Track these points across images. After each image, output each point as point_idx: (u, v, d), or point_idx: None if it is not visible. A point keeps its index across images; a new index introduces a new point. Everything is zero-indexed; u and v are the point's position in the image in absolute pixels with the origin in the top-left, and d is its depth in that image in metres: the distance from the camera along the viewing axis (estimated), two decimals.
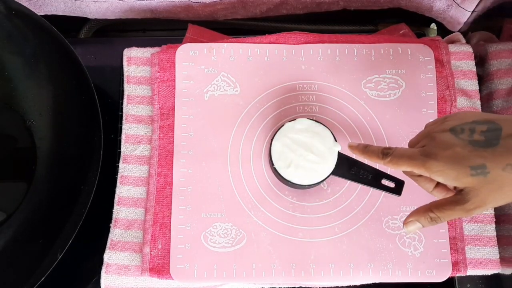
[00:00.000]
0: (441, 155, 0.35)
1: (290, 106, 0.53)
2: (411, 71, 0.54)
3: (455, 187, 0.37)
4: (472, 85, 0.54)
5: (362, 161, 0.47)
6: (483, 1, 0.54)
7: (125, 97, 0.54)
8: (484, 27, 0.58)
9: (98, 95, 0.49)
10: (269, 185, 0.51)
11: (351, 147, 0.45)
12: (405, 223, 0.40)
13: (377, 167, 0.47)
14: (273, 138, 0.48)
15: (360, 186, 0.51)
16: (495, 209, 0.52)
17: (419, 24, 0.64)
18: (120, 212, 0.51)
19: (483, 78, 0.56)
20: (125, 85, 0.54)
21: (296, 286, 0.50)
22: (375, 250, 0.49)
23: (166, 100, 0.53)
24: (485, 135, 0.35)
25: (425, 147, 0.37)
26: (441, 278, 0.49)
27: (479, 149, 0.34)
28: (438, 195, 0.41)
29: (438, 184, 0.41)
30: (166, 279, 0.49)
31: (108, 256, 0.49)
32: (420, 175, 0.41)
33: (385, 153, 0.40)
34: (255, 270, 0.49)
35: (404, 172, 0.42)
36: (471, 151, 0.34)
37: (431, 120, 0.52)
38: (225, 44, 0.54)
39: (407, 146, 0.51)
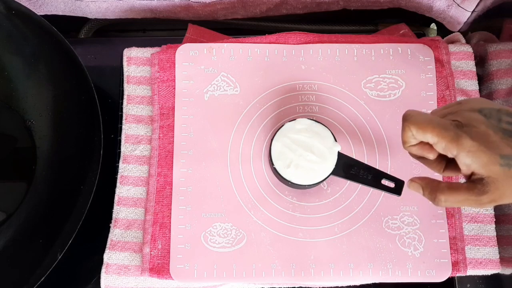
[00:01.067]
0: (476, 133, 0.32)
1: (290, 106, 0.53)
2: (411, 71, 0.54)
3: (472, 173, 0.34)
4: (472, 85, 0.54)
5: (362, 161, 0.47)
6: (483, 1, 0.54)
7: (125, 97, 0.54)
8: (484, 27, 0.58)
9: (98, 95, 0.49)
10: (269, 185, 0.51)
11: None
12: (412, 180, 0.37)
13: (377, 167, 0.47)
14: (273, 138, 0.48)
15: (360, 186, 0.51)
16: (495, 209, 0.52)
17: (419, 24, 0.64)
18: (120, 212, 0.51)
19: (483, 78, 0.56)
20: (125, 85, 0.54)
21: (296, 286, 0.50)
22: (375, 250, 0.49)
23: (166, 100, 0.53)
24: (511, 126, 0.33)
25: (456, 122, 0.33)
26: (441, 278, 0.49)
27: (509, 139, 0.32)
28: (449, 174, 0.39)
29: (447, 166, 0.39)
30: (166, 279, 0.49)
31: (108, 256, 0.50)
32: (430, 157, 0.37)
33: (408, 114, 0.36)
34: (255, 270, 0.49)
35: (411, 149, 0.38)
36: (502, 138, 0.32)
37: None
38: (225, 44, 0.54)
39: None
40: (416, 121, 0.35)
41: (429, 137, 0.34)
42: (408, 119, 0.35)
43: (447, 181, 0.36)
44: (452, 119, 0.34)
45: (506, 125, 0.33)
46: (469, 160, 0.33)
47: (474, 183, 0.34)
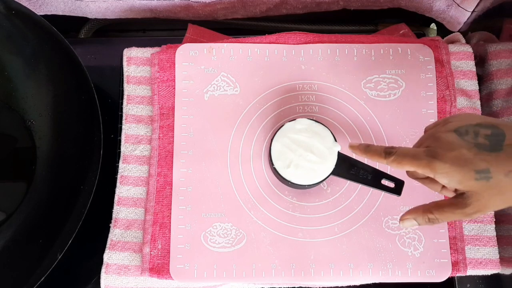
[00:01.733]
0: (447, 156, 0.35)
1: (290, 106, 0.53)
2: (411, 71, 0.54)
3: (455, 189, 0.37)
4: (472, 85, 0.54)
5: (362, 161, 0.47)
6: (483, 1, 0.54)
7: (125, 97, 0.54)
8: (484, 27, 0.58)
9: (98, 95, 0.49)
10: (269, 185, 0.51)
11: (352, 147, 0.44)
12: (402, 219, 0.40)
13: (377, 167, 0.47)
14: (273, 138, 0.48)
15: (360, 186, 0.51)
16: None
17: (419, 24, 0.64)
18: (120, 212, 0.51)
19: (483, 78, 0.56)
20: (125, 85, 0.54)
21: (296, 286, 0.50)
22: (375, 250, 0.49)
23: (166, 100, 0.53)
24: (489, 139, 0.34)
25: (430, 147, 0.37)
26: (441, 278, 0.49)
27: (484, 153, 0.34)
28: (448, 194, 0.41)
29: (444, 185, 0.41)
30: (166, 279, 0.49)
31: (108, 256, 0.50)
32: (427, 177, 0.40)
33: (388, 152, 0.39)
34: (255, 270, 0.49)
35: (408, 174, 0.42)
36: (476, 154, 0.34)
37: (431, 120, 0.52)
38: (225, 44, 0.54)
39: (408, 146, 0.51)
40: (395, 159, 0.38)
41: (407, 168, 0.38)
42: (388, 158, 0.39)
43: (432, 202, 0.38)
44: (428, 144, 0.37)
45: (483, 139, 0.35)
46: (445, 180, 0.35)
47: (457, 197, 0.36)
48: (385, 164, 0.39)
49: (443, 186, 0.40)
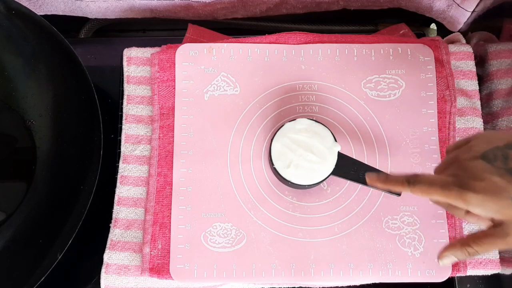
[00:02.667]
0: (479, 187, 0.33)
1: (290, 106, 0.53)
2: (411, 71, 0.54)
3: (492, 219, 0.35)
4: (472, 85, 0.54)
5: (362, 161, 0.47)
6: (483, 1, 0.54)
7: (125, 97, 0.54)
8: (484, 27, 0.58)
9: (98, 95, 0.49)
10: (269, 185, 0.51)
11: (370, 180, 0.41)
12: (440, 257, 0.38)
13: (377, 166, 0.47)
14: (273, 138, 0.48)
15: (360, 186, 0.51)
16: None
17: (419, 24, 0.64)
18: (120, 212, 0.51)
19: (483, 78, 0.56)
20: (125, 85, 0.54)
21: (296, 286, 0.50)
22: (375, 250, 0.49)
23: (166, 100, 0.53)
24: None
25: (458, 177, 0.34)
26: (441, 278, 0.49)
27: None
28: (472, 220, 0.40)
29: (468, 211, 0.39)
30: (166, 279, 0.49)
31: (108, 256, 0.50)
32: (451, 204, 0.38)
33: (412, 181, 0.36)
34: (255, 270, 0.49)
35: (432, 200, 0.40)
36: (510, 181, 0.32)
37: (431, 120, 0.52)
38: (225, 44, 0.54)
39: (407, 147, 0.52)
40: (420, 188, 0.36)
41: (435, 197, 0.35)
42: (411, 186, 0.36)
43: (469, 234, 0.37)
44: (454, 172, 0.35)
45: None
46: (480, 211, 0.34)
47: (495, 227, 0.34)
48: (409, 192, 0.37)
49: (467, 212, 0.38)
